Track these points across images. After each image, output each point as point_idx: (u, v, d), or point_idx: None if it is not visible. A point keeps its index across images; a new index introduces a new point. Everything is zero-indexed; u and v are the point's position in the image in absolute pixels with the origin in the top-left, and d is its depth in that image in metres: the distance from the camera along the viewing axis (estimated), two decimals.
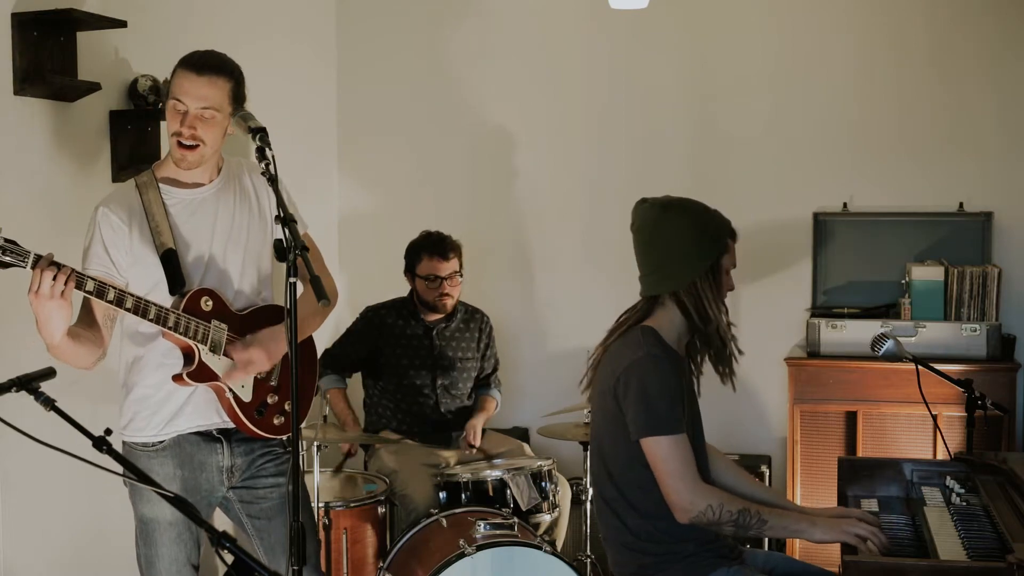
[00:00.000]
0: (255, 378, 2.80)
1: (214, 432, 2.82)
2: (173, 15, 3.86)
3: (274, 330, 2.79)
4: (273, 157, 2.55)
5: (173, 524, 2.74)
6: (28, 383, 2.15)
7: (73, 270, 2.45)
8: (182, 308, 2.66)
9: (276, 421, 2.84)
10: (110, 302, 2.52)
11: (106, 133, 3.55)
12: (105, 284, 2.52)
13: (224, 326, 2.73)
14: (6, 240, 2.35)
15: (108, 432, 2.15)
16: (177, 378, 2.69)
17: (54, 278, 2.40)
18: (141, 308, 2.56)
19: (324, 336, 4.77)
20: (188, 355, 2.70)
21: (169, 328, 2.61)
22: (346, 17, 5.03)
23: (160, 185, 2.75)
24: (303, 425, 3.67)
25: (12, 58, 3.14)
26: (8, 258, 2.35)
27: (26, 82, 3.15)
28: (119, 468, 2.16)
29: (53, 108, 3.31)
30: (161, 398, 2.75)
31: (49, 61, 3.21)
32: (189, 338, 2.65)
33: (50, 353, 2.61)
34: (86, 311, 2.71)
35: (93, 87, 3.36)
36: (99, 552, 3.52)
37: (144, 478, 2.24)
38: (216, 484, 2.83)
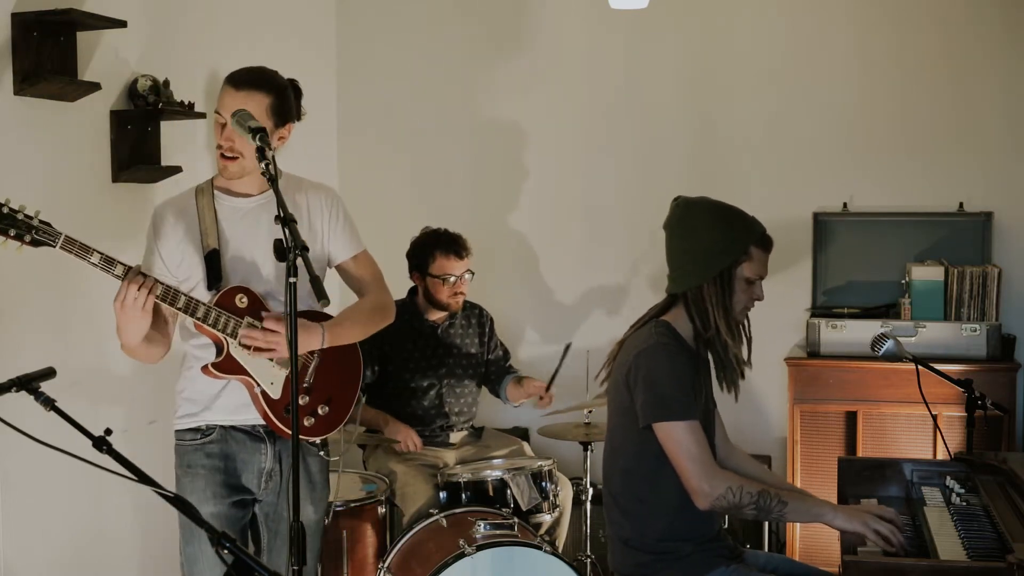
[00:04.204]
0: (286, 376, 2.83)
1: (261, 431, 2.86)
2: (173, 15, 3.86)
3: (308, 323, 2.81)
4: (273, 157, 2.58)
5: (215, 517, 2.77)
6: (28, 383, 2.15)
7: (156, 281, 2.61)
8: (215, 302, 2.74)
9: (306, 422, 2.88)
10: (160, 299, 2.64)
11: (106, 133, 3.55)
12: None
13: (258, 324, 2.77)
14: (40, 221, 2.46)
15: (108, 432, 2.15)
16: (205, 369, 2.77)
17: (139, 289, 2.56)
18: (170, 296, 2.65)
19: None
20: (219, 348, 2.78)
21: (198, 319, 2.70)
22: (346, 17, 5.03)
23: (215, 192, 2.87)
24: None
25: (12, 58, 3.14)
26: (41, 237, 2.47)
27: (26, 82, 3.15)
28: (119, 468, 2.16)
29: (53, 108, 3.31)
30: (199, 388, 2.83)
31: (49, 61, 3.21)
32: (218, 331, 2.72)
33: (124, 351, 2.77)
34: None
35: (93, 87, 3.36)
36: (99, 552, 3.51)
37: (144, 478, 2.23)
38: (254, 486, 2.87)
